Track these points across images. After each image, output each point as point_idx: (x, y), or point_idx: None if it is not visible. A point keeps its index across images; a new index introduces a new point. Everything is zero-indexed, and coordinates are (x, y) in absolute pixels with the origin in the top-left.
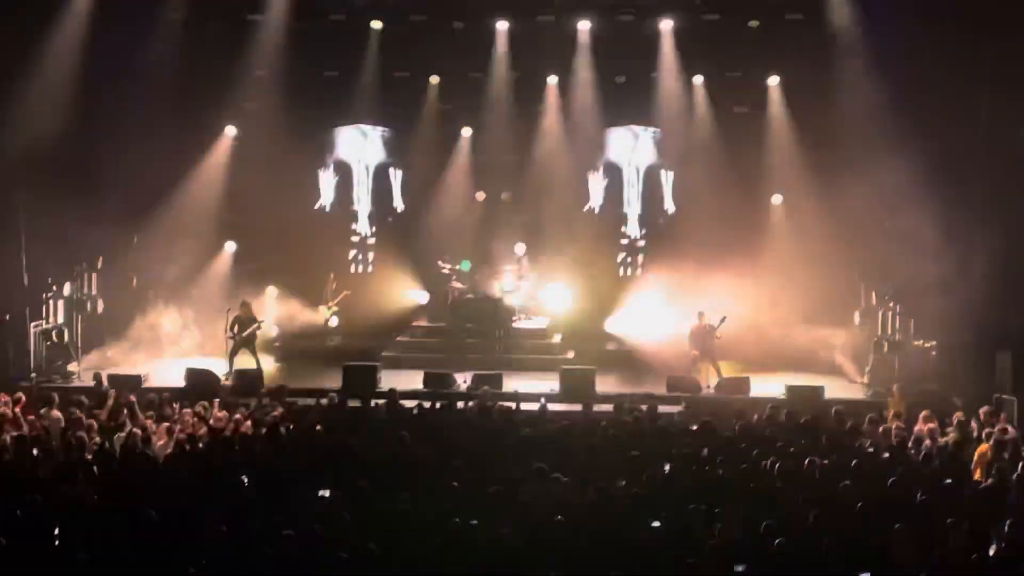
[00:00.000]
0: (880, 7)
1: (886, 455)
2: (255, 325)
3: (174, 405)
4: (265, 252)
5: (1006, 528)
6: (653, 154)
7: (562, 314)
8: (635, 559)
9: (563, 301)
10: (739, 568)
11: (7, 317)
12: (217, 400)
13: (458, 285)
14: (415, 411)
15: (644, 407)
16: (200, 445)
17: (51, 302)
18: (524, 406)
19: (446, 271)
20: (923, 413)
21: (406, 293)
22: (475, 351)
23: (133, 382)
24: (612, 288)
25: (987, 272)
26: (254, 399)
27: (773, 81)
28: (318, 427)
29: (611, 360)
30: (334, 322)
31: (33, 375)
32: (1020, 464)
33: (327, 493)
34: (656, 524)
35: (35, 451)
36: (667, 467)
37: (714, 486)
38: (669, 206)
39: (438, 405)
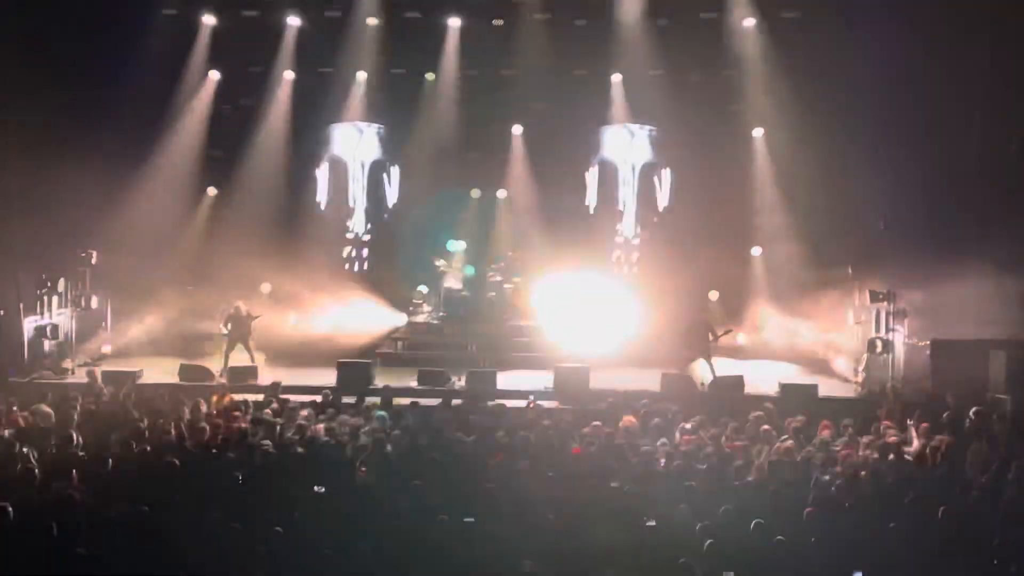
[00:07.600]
0: (877, 6)
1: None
2: (251, 320)
3: (168, 401)
4: (259, 249)
5: (998, 525)
6: (649, 152)
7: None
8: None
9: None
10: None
11: (1, 312)
12: (212, 397)
13: (453, 283)
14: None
15: None
16: (194, 441)
17: (45, 298)
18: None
19: (442, 269)
20: (916, 412)
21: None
22: (469, 348)
23: (127, 378)
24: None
25: (981, 271)
26: (248, 395)
27: (770, 79)
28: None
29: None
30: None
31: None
32: (1013, 463)
33: (322, 489)
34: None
35: (23, 448)
36: None
37: None
38: (664, 204)
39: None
